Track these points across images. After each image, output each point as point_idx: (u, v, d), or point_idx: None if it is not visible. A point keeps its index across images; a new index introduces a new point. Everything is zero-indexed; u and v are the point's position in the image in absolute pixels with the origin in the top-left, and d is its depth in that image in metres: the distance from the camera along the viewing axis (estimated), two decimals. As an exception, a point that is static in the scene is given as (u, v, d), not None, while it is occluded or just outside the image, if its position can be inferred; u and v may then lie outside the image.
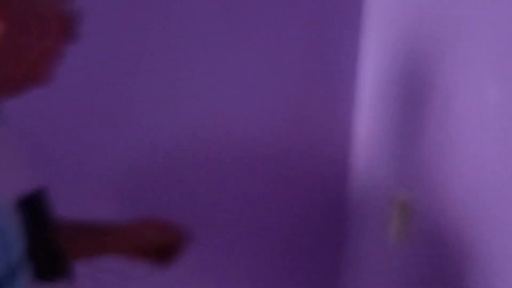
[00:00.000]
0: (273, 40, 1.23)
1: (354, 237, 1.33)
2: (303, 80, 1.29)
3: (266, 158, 1.29)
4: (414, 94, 1.10)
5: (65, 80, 1.15)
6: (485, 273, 0.82)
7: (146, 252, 1.04)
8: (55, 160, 1.15)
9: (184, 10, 1.17)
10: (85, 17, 1.09)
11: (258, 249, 1.31)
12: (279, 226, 1.32)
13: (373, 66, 1.28)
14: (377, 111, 1.25)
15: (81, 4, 1.10)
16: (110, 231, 1.01)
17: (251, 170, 1.28)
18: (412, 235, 1.07)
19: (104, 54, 1.14)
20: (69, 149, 1.16)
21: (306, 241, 1.34)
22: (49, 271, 0.71)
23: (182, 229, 1.02)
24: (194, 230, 1.25)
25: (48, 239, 0.70)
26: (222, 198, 1.27)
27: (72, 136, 1.16)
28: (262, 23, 1.22)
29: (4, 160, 0.71)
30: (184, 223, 1.25)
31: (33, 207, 0.68)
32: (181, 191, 1.25)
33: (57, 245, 0.72)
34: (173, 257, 1.04)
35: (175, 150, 1.22)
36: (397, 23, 1.17)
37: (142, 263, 1.11)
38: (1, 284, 0.59)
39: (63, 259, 0.73)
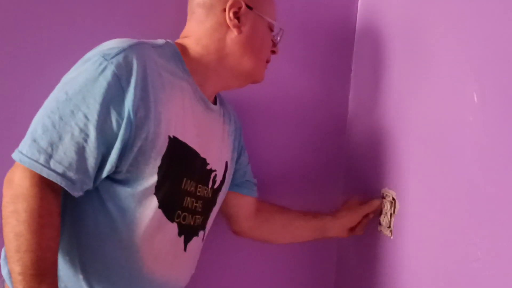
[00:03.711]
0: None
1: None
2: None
3: (266, 159, 1.32)
4: (401, 102, 1.13)
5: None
6: (465, 261, 0.87)
7: (352, 230, 1.24)
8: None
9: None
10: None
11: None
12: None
13: (363, 77, 1.31)
14: (366, 117, 1.28)
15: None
16: (327, 218, 1.22)
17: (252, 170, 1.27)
18: (399, 227, 1.12)
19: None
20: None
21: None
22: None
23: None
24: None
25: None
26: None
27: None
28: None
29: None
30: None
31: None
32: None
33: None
34: (366, 226, 1.24)
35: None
36: (387, 28, 1.20)
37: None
38: None
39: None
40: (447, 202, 0.93)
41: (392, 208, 1.14)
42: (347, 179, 1.38)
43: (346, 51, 1.36)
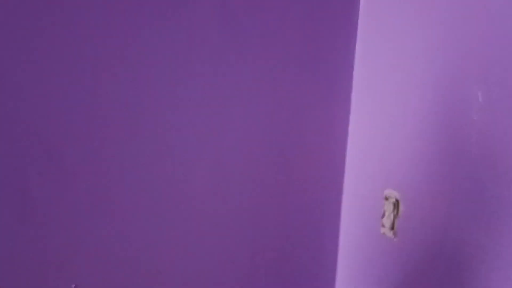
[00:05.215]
0: (274, 50, 1.25)
1: (350, 230, 1.36)
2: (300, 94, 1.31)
3: (266, 159, 1.30)
4: (405, 101, 1.13)
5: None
6: (470, 263, 0.88)
7: None
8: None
9: (189, 20, 1.19)
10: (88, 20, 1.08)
11: (259, 243, 1.32)
12: (279, 222, 1.33)
13: (366, 75, 1.31)
14: (369, 117, 1.28)
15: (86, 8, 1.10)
16: None
17: (251, 173, 1.28)
18: (403, 229, 1.11)
19: (106, 58, 1.09)
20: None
21: (305, 234, 1.36)
22: None
23: None
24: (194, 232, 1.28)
25: None
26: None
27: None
28: (263, 29, 1.25)
29: None
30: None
31: None
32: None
33: None
34: None
35: (178, 151, 1.23)
36: (389, 31, 1.20)
37: None
38: None
39: None
40: (452, 203, 0.93)
41: (396, 210, 1.12)
42: (348, 179, 1.37)
43: (348, 49, 1.35)
